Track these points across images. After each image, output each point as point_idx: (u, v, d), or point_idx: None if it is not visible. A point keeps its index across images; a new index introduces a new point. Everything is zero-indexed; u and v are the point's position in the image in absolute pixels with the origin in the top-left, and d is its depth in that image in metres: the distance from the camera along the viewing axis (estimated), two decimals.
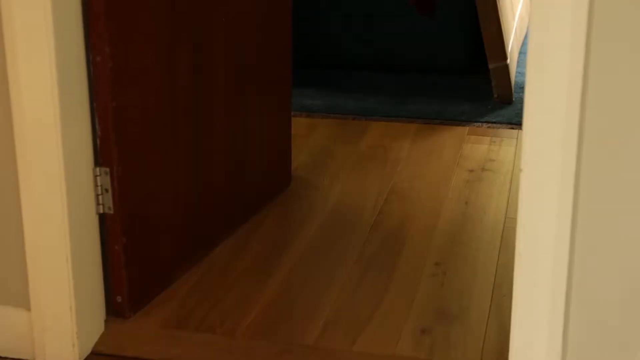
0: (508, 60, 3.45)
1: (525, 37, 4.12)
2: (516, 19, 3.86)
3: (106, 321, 2.05)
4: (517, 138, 3.16)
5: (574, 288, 1.59)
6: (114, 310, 2.07)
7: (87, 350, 1.97)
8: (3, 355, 1.97)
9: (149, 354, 1.97)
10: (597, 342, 1.62)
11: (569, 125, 1.51)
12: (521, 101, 3.43)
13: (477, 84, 3.68)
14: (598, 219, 1.56)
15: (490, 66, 3.45)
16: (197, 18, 2.18)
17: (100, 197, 1.96)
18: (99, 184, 1.96)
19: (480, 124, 3.29)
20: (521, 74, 3.74)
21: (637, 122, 1.50)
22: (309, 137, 3.17)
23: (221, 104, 2.32)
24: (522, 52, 3.97)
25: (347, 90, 3.64)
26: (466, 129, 3.24)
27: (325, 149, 3.07)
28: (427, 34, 3.77)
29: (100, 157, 1.95)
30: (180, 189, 2.21)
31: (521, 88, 3.56)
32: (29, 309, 1.94)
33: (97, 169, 1.95)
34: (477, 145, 3.10)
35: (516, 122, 3.28)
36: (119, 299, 2.07)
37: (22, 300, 1.95)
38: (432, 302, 2.15)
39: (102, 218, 2.00)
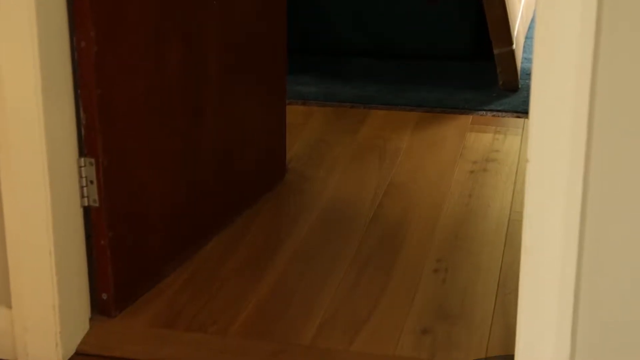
0: (514, 46, 3.45)
1: (532, 21, 4.12)
2: (522, 1, 3.86)
3: (91, 320, 2.05)
4: (523, 127, 3.16)
5: (583, 285, 1.59)
6: (99, 308, 2.07)
7: (71, 351, 1.97)
8: None
9: (136, 355, 1.97)
10: (608, 342, 1.62)
11: (577, 113, 1.51)
12: (527, 88, 3.43)
13: (481, 70, 3.68)
14: (608, 212, 1.56)
15: (495, 52, 3.45)
16: (187, 2, 2.17)
17: (85, 189, 1.96)
18: (83, 175, 1.95)
19: (484, 112, 3.29)
20: (527, 60, 3.73)
21: None
22: (305, 126, 3.17)
23: (213, 92, 2.32)
24: (529, 37, 3.97)
25: (345, 77, 3.63)
26: (469, 118, 3.24)
27: (322, 139, 3.06)
28: (429, 19, 3.76)
29: (85, 148, 1.95)
30: (170, 181, 2.21)
31: (527, 75, 3.55)
32: (10, 307, 1.94)
33: (82, 159, 1.95)
34: (481, 135, 3.10)
35: (522, 111, 3.28)
36: (104, 296, 2.06)
37: (3, 298, 1.94)
38: (434, 300, 2.15)
39: (87, 211, 1.99)
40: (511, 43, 3.44)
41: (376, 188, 2.72)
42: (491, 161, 2.90)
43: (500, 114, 3.28)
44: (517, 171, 2.82)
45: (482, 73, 3.65)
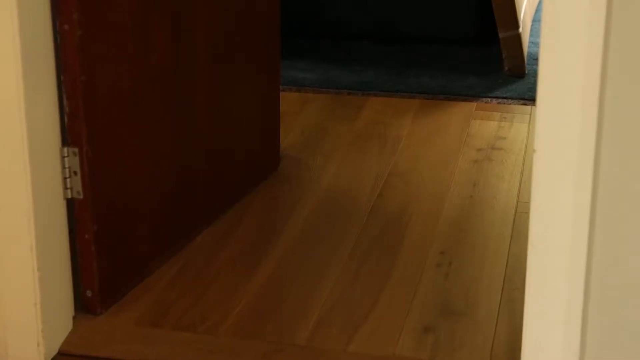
0: (520, 29, 3.45)
1: (539, 3, 4.11)
2: None
3: (75, 318, 2.04)
4: (530, 115, 3.16)
5: (593, 282, 1.59)
6: (83, 305, 2.07)
7: (54, 350, 1.97)
8: None
9: (122, 355, 1.97)
10: (619, 343, 1.61)
11: (587, 100, 1.50)
12: (534, 74, 3.43)
13: (486, 55, 3.68)
14: (620, 205, 1.55)
15: (501, 35, 3.45)
16: None
17: (68, 180, 1.96)
18: (66, 165, 1.95)
19: (489, 99, 3.28)
20: (534, 44, 3.73)
21: None
22: (300, 114, 3.17)
23: (202, 79, 2.31)
24: (536, 20, 3.96)
25: (342, 62, 3.63)
26: (474, 105, 3.24)
27: (318, 127, 3.06)
28: (431, 0, 3.75)
29: (69, 137, 1.95)
30: (158, 171, 2.21)
31: (534, 60, 3.55)
32: None
33: (65, 149, 1.94)
34: (485, 122, 3.09)
35: (529, 98, 3.27)
36: (89, 293, 2.06)
37: None
38: (436, 297, 2.15)
39: (71, 204, 1.99)
40: (517, 26, 3.43)
41: (375, 178, 2.72)
42: (496, 150, 2.89)
43: (505, 100, 3.28)
44: (524, 160, 2.82)
45: (487, 58, 3.65)
